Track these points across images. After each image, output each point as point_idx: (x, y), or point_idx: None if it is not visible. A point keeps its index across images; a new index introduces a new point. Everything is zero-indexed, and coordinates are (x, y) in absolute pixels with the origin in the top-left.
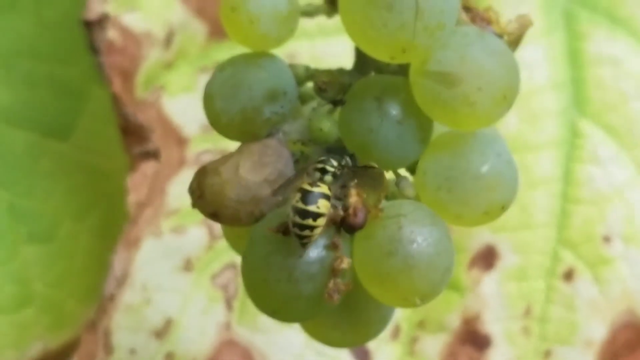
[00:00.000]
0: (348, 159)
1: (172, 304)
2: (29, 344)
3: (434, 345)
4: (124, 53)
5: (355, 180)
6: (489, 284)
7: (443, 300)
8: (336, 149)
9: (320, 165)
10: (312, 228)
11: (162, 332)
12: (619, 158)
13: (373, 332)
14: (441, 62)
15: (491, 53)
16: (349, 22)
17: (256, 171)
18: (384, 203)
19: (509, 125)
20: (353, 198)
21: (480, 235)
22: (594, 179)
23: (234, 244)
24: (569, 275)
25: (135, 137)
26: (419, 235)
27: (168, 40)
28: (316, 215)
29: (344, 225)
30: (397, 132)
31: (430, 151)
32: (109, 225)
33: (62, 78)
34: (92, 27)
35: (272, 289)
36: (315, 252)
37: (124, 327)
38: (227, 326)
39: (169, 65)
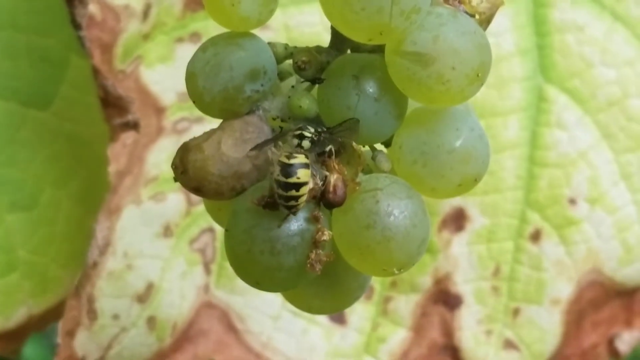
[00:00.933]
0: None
1: (153, 269)
2: (14, 309)
3: (406, 305)
4: (103, 26)
5: (331, 147)
6: (459, 245)
7: None
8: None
9: (298, 132)
10: (296, 198)
11: (143, 297)
12: (583, 122)
13: (351, 298)
14: (416, 42)
15: (464, 33)
16: (328, 5)
17: (238, 147)
18: (361, 177)
19: None
20: (333, 175)
21: (450, 199)
22: (560, 143)
23: (215, 216)
24: (536, 237)
25: (116, 109)
26: (395, 208)
27: (145, 12)
28: (298, 186)
29: (324, 201)
30: (374, 109)
31: (406, 126)
32: (90, 192)
33: (41, 48)
34: (74, 2)
35: (255, 260)
36: (296, 224)
37: (107, 293)
38: (206, 289)
39: (146, 37)
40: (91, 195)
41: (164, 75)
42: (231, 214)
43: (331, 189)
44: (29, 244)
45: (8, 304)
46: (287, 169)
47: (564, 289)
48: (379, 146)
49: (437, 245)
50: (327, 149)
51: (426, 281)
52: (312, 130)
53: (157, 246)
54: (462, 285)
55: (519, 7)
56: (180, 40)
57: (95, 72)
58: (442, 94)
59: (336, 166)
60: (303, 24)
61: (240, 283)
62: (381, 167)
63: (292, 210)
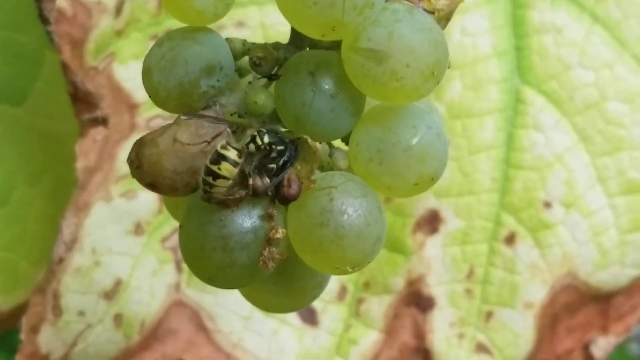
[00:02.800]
0: (289, 146)
1: (122, 266)
2: None
3: (379, 306)
4: (74, 22)
5: (274, 166)
6: (433, 247)
7: (388, 262)
8: (274, 122)
9: (254, 133)
10: (210, 185)
11: (111, 293)
12: (560, 124)
13: (309, 297)
14: (371, 39)
15: (419, 30)
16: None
17: (193, 142)
18: (317, 174)
19: (454, 92)
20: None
21: (425, 200)
22: (536, 145)
23: (173, 213)
24: (510, 239)
25: (85, 104)
26: (349, 206)
27: (118, 8)
28: (215, 175)
29: (278, 196)
30: (330, 106)
31: (363, 123)
32: (63, 190)
33: (16, 44)
34: None
35: (208, 257)
36: (249, 221)
37: (73, 289)
38: (177, 287)
39: (119, 33)
40: (64, 192)
41: (137, 72)
42: (186, 210)
43: (285, 182)
44: (0, 240)
45: None
46: (215, 156)
47: (538, 293)
48: (339, 143)
49: (410, 247)
50: (270, 165)
51: (399, 283)
52: (266, 141)
53: (127, 243)
54: (435, 287)
55: (497, 8)
56: (154, 37)
57: (65, 67)
58: (396, 91)
59: None
60: (279, 22)
61: None
62: (338, 165)
63: (205, 195)
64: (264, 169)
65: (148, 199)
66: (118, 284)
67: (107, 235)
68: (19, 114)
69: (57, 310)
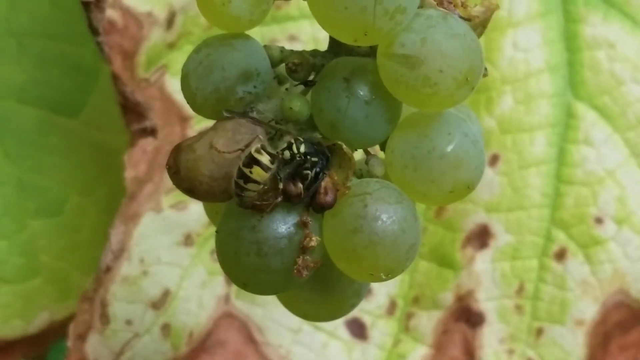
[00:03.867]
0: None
1: (171, 276)
2: (35, 314)
3: (428, 321)
4: (125, 33)
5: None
6: (483, 262)
7: (438, 277)
8: (311, 128)
9: (291, 140)
10: (240, 188)
11: (158, 303)
12: (612, 140)
13: (347, 306)
14: (404, 44)
15: (453, 36)
16: (314, 4)
17: (229, 148)
18: (353, 181)
19: (505, 106)
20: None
21: (475, 215)
22: (588, 160)
23: (213, 220)
24: (561, 255)
25: (134, 115)
26: (383, 213)
27: (169, 21)
28: (247, 179)
29: (313, 204)
30: (365, 112)
31: (399, 130)
32: (115, 201)
33: (73, 57)
34: (90, 7)
35: (242, 261)
36: (284, 227)
37: (121, 298)
38: (226, 299)
39: (172, 46)
40: (117, 203)
41: None
42: (222, 216)
43: (322, 190)
44: (52, 249)
45: (30, 309)
46: (248, 160)
47: (589, 310)
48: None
49: (460, 262)
50: (304, 172)
51: (448, 298)
52: (302, 151)
53: (177, 254)
54: (485, 302)
55: (550, 23)
56: None
57: (115, 78)
58: (429, 97)
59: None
60: None
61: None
62: (374, 172)
63: (238, 199)
64: (298, 176)
65: (198, 210)
66: (166, 294)
67: (156, 245)
68: (74, 125)
69: (105, 319)
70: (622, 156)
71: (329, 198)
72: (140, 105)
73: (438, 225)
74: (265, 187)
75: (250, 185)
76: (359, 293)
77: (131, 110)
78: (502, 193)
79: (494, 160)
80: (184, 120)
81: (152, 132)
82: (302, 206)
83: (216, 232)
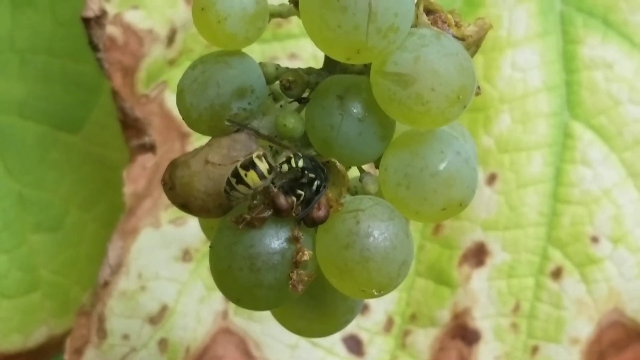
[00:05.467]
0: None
1: (168, 292)
2: (34, 328)
3: (424, 339)
4: (125, 50)
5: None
6: (479, 280)
7: (434, 295)
8: (305, 145)
9: (290, 155)
10: (231, 187)
11: (156, 318)
12: (608, 160)
13: (340, 322)
14: (397, 63)
15: (446, 54)
16: (307, 22)
17: (224, 164)
18: (347, 198)
19: (502, 125)
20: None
21: (472, 233)
22: (584, 180)
23: (208, 235)
24: (557, 274)
25: (133, 131)
26: (375, 229)
27: (170, 38)
28: (239, 179)
29: (305, 219)
30: (358, 129)
31: (392, 148)
32: (115, 216)
33: (75, 73)
34: (90, 24)
35: (235, 277)
36: (276, 243)
37: (118, 313)
38: (224, 315)
39: (172, 62)
40: (117, 218)
41: None
42: (216, 231)
43: (316, 205)
44: (52, 264)
45: (28, 323)
46: (246, 162)
47: (584, 329)
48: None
49: (456, 280)
50: (298, 189)
51: (444, 315)
52: (300, 165)
53: (175, 269)
54: (481, 320)
55: (549, 44)
56: None
57: (115, 94)
58: (422, 115)
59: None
60: None
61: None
62: (367, 189)
63: (225, 194)
64: (292, 191)
65: (197, 226)
66: (164, 309)
67: (155, 260)
68: (75, 141)
69: (102, 333)
70: (619, 176)
71: (321, 213)
72: (139, 121)
73: (435, 243)
74: (255, 195)
75: (240, 187)
76: (353, 309)
77: (130, 126)
78: (499, 211)
79: (492, 178)
80: (183, 136)
81: (151, 148)
82: (293, 220)
83: (210, 247)
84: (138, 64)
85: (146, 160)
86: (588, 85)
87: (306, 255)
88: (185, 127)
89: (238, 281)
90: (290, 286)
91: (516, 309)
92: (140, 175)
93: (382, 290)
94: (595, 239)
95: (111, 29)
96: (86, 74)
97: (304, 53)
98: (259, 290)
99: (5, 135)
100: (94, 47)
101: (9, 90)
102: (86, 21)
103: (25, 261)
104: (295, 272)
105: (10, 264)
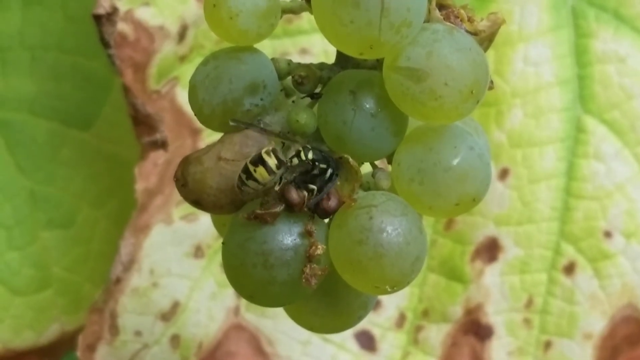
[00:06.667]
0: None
1: (180, 288)
2: (46, 325)
3: (437, 334)
4: (136, 46)
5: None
6: (492, 275)
7: (447, 291)
8: (318, 141)
9: (299, 148)
10: (242, 182)
11: (168, 315)
12: (621, 154)
13: (354, 318)
14: (410, 58)
15: (459, 49)
16: (320, 18)
17: (236, 160)
18: (360, 194)
19: (514, 120)
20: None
21: (484, 228)
22: (597, 175)
23: (221, 232)
24: (570, 269)
25: (145, 127)
26: (389, 225)
27: (181, 34)
28: (249, 175)
29: (317, 209)
30: (371, 125)
31: (405, 144)
32: (127, 213)
33: (86, 70)
34: (102, 21)
35: (249, 273)
36: (289, 239)
37: (130, 309)
38: (236, 311)
39: (183, 58)
40: (128, 216)
41: None
42: (229, 227)
43: (325, 196)
44: (64, 261)
45: (41, 320)
46: (256, 158)
47: (597, 324)
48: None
49: (469, 275)
50: (310, 183)
51: (457, 311)
52: (310, 158)
53: (187, 266)
54: (494, 316)
55: (561, 37)
56: None
57: (126, 90)
58: (435, 110)
59: None
60: None
61: None
62: (380, 185)
63: (238, 190)
64: (304, 185)
65: (209, 222)
66: (176, 305)
67: (167, 257)
68: (87, 138)
69: (114, 330)
70: (632, 171)
71: (332, 203)
72: (151, 117)
73: (447, 238)
74: (268, 191)
75: (250, 182)
76: (366, 306)
77: (142, 123)
78: (512, 206)
79: (504, 174)
80: (195, 133)
81: (162, 144)
82: (307, 215)
83: (222, 243)
84: (149, 60)
85: (157, 157)
86: (600, 80)
87: (319, 249)
88: (197, 123)
89: (251, 278)
90: (304, 280)
91: (529, 304)
92: (151, 171)
93: (396, 286)
94: (608, 234)
95: (122, 26)
96: (97, 71)
97: (315, 48)
98: (273, 287)
99: (16, 133)
100: (105, 44)
101: (20, 87)
102: (97, 18)
103: (37, 258)
104: (308, 266)
105: (23, 261)
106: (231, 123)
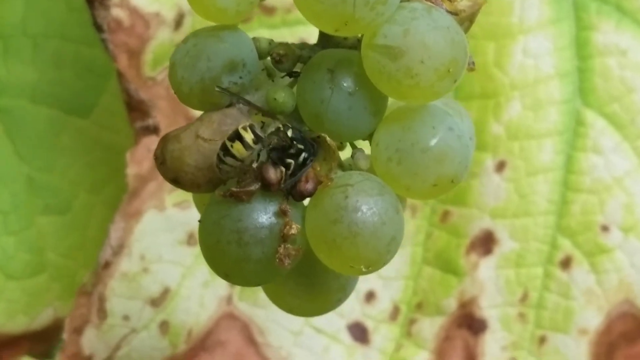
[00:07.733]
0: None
1: (171, 275)
2: (40, 310)
3: (430, 327)
4: (131, 32)
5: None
6: (487, 269)
7: (441, 283)
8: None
9: (278, 126)
10: (220, 160)
11: (158, 300)
12: (620, 148)
13: (332, 301)
14: (386, 35)
15: (436, 27)
16: None
17: (215, 139)
18: (337, 174)
19: (513, 112)
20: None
21: (480, 221)
22: (595, 168)
23: (201, 210)
24: (566, 263)
25: (138, 112)
26: (364, 204)
27: (178, 21)
28: (226, 151)
29: (293, 192)
30: (348, 103)
31: (384, 123)
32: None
33: (87, 58)
34: (94, 4)
35: (224, 251)
36: (264, 217)
37: (119, 294)
38: (228, 300)
39: None
40: None
41: None
42: (206, 206)
43: (303, 178)
44: (59, 247)
45: (34, 305)
46: (233, 134)
47: (593, 319)
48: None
49: (464, 268)
50: (288, 160)
51: (451, 304)
52: (289, 134)
53: (179, 253)
54: (488, 310)
55: (561, 30)
56: None
57: (120, 75)
58: (411, 89)
59: None
60: None
61: (263, 296)
62: (359, 165)
63: (217, 169)
64: (281, 161)
65: None
66: (166, 292)
67: (159, 243)
68: (86, 125)
69: (102, 314)
70: (631, 164)
71: (309, 186)
72: (144, 103)
73: (442, 230)
74: (243, 167)
75: (228, 159)
76: (345, 288)
77: (135, 108)
78: (508, 199)
79: (501, 166)
80: (190, 120)
81: (155, 130)
82: (282, 195)
83: (199, 221)
84: (144, 46)
85: (150, 143)
86: (601, 72)
87: (294, 229)
88: (192, 111)
89: (226, 255)
90: (277, 260)
91: (524, 298)
92: (144, 157)
93: (371, 266)
94: (605, 228)
95: (117, 12)
96: (98, 59)
97: (313, 39)
98: (247, 265)
99: (17, 119)
100: (98, 28)
101: (21, 74)
102: (90, 2)
103: (32, 243)
104: (282, 246)
105: (18, 245)
106: (216, 89)
